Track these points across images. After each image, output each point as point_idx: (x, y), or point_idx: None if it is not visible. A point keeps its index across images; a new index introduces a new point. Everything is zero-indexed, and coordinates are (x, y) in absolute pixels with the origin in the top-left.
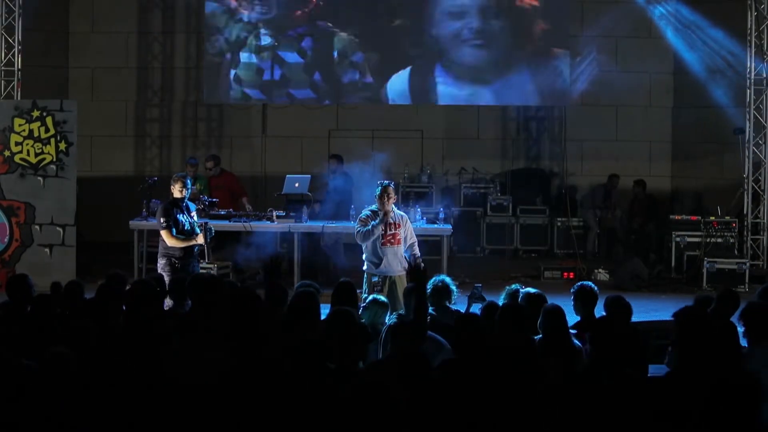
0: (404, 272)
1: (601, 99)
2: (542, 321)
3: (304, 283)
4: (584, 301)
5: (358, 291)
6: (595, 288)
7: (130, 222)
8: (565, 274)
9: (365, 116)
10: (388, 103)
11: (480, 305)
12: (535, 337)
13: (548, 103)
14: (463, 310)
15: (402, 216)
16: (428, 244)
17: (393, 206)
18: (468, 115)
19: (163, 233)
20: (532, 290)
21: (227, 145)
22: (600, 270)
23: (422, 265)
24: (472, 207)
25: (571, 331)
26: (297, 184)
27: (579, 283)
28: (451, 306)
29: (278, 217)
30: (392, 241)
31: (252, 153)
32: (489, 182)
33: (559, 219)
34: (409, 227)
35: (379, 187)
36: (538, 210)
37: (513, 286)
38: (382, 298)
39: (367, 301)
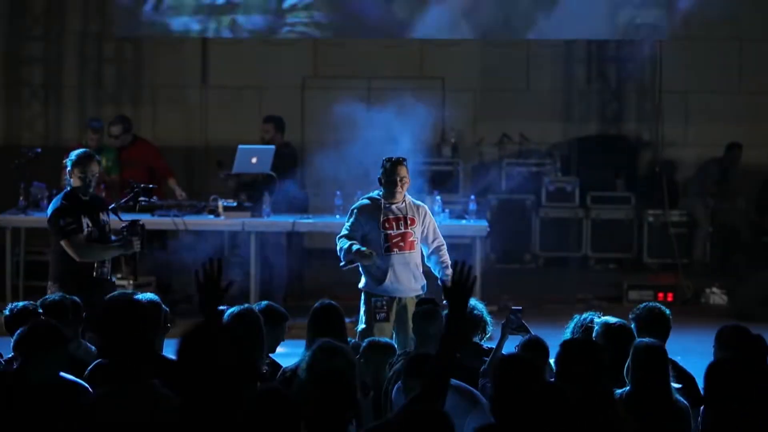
0: (421, 291)
1: (715, 29)
2: (632, 365)
3: (257, 306)
4: (651, 330)
5: (349, 320)
6: (667, 312)
7: (0, 216)
8: (660, 294)
9: (357, 56)
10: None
11: (521, 338)
12: (618, 391)
13: (635, 36)
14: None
15: (419, 206)
16: (453, 249)
17: (406, 193)
18: (513, 55)
19: (66, 243)
20: (612, 319)
21: (148, 101)
22: (714, 289)
23: (472, 272)
24: (518, 194)
25: (675, 385)
26: (254, 159)
27: (643, 306)
28: (483, 343)
29: (226, 208)
30: (401, 244)
31: (186, 112)
32: (545, 156)
33: (651, 212)
34: (431, 222)
35: (387, 164)
36: (620, 198)
37: (587, 315)
38: (384, 339)
39: (361, 348)
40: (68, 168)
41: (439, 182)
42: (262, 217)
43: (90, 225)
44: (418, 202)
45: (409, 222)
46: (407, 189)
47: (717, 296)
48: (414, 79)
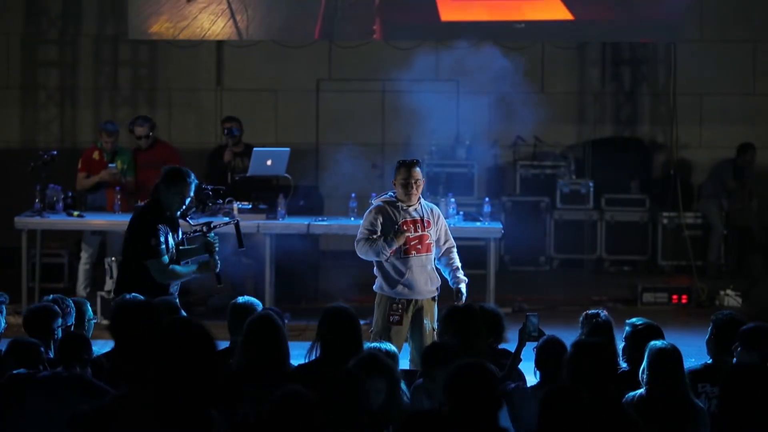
0: (435, 294)
1: (729, 31)
2: (649, 368)
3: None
4: (723, 336)
5: (364, 322)
6: (740, 319)
7: (17, 218)
8: (675, 297)
9: (372, 59)
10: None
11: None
12: (631, 394)
13: (650, 37)
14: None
15: (432, 209)
16: (467, 251)
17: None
18: (528, 57)
19: (153, 264)
20: (638, 321)
21: (164, 103)
22: (728, 291)
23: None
24: (533, 196)
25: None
26: (269, 162)
27: (725, 312)
28: (498, 346)
29: (241, 210)
30: (419, 247)
31: (201, 115)
32: (559, 158)
33: (665, 214)
34: (443, 225)
35: (402, 166)
36: (634, 200)
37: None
38: (389, 347)
39: None
40: (164, 185)
41: (453, 184)
42: (277, 219)
43: (172, 245)
44: (431, 205)
45: (425, 224)
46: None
47: (731, 298)
48: (428, 82)
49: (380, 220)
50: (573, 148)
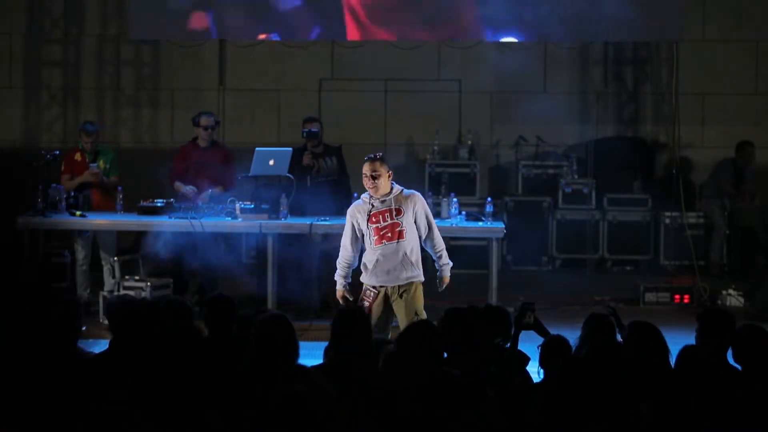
0: (415, 279)
1: (731, 30)
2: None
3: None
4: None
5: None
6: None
7: (19, 218)
8: (677, 297)
9: (374, 59)
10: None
11: (533, 333)
12: None
13: (652, 37)
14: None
15: (408, 196)
16: (470, 251)
17: (395, 185)
18: (530, 58)
19: None
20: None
21: (166, 103)
22: (730, 291)
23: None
24: (535, 196)
25: None
26: (272, 162)
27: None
28: (506, 345)
29: (244, 210)
30: (389, 235)
31: None
32: (561, 158)
33: (667, 214)
34: (420, 210)
35: (364, 162)
36: (636, 200)
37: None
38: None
39: None
40: None
41: (456, 183)
42: (279, 219)
43: None
44: (410, 192)
45: (395, 213)
46: (388, 181)
47: (734, 298)
48: (431, 81)
49: (353, 220)
50: (575, 148)
